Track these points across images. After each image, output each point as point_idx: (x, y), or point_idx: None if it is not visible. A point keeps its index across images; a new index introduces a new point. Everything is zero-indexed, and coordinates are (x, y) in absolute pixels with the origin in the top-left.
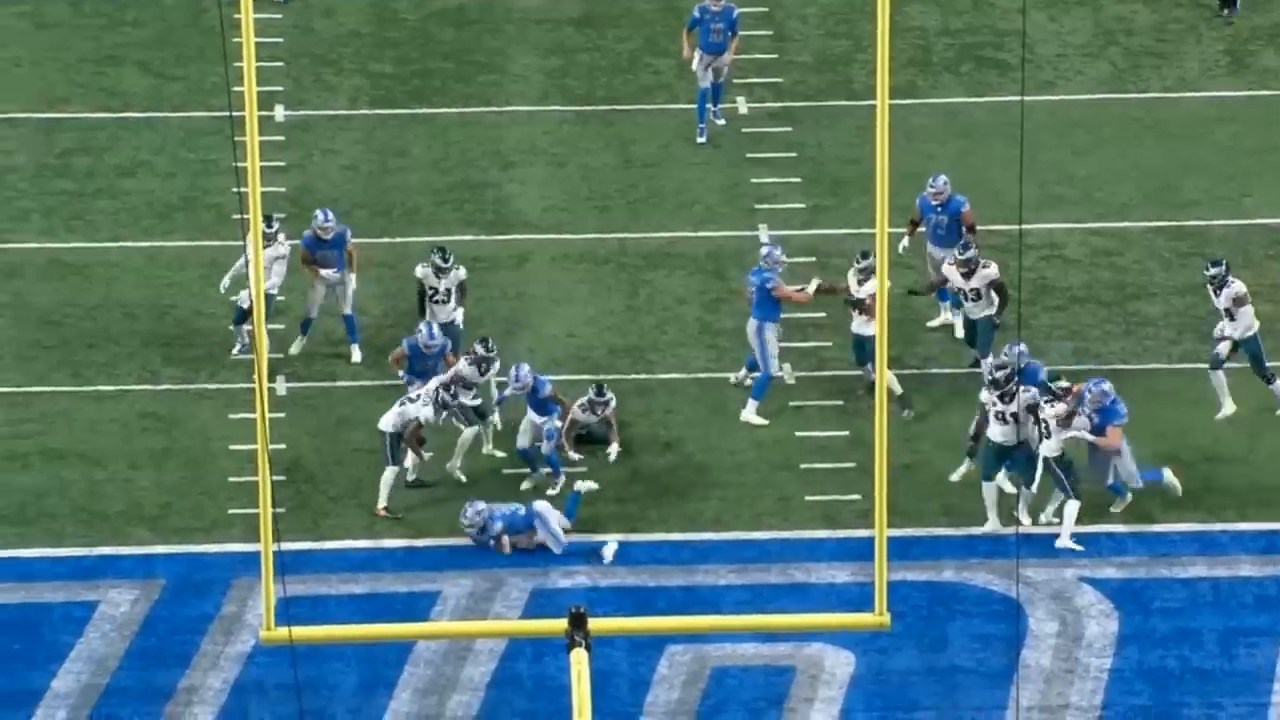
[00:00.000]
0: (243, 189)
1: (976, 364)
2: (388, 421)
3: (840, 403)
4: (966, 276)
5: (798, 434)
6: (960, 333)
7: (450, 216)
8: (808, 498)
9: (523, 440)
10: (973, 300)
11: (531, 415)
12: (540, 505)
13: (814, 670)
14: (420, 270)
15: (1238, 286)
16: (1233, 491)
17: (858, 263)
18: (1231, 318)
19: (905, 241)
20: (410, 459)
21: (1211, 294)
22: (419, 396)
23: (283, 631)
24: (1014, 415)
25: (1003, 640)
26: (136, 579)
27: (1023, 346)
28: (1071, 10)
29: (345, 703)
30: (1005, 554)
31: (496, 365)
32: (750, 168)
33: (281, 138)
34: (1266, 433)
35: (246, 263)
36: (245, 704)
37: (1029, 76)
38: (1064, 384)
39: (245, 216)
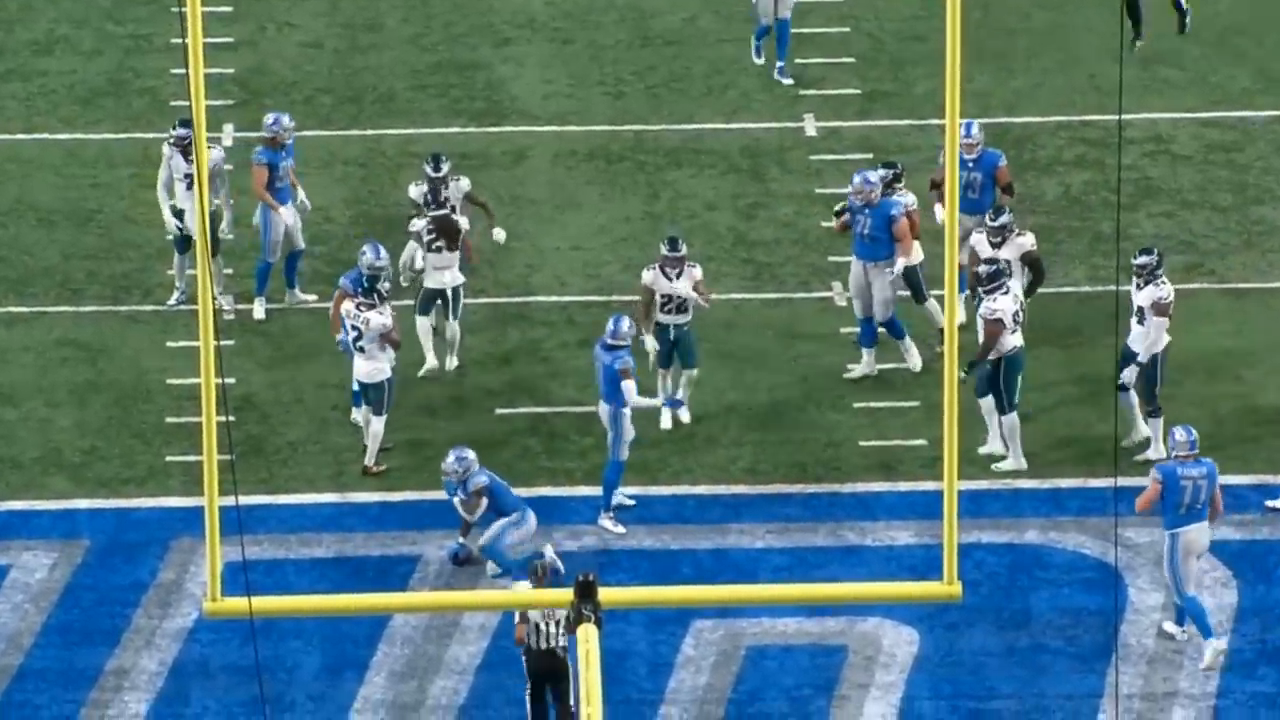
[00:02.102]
0: (183, 70)
1: (969, 370)
2: (362, 372)
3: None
4: (996, 246)
5: (850, 366)
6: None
7: (433, 104)
8: (862, 443)
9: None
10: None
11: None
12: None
13: (870, 650)
14: (414, 190)
15: (1163, 289)
16: None
17: (990, 220)
18: (1141, 322)
19: (939, 213)
20: (430, 359)
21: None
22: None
23: (232, 602)
24: None
25: (1098, 615)
26: (55, 539)
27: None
28: None
29: (306, 688)
30: (1101, 510)
31: (452, 184)
32: (795, 46)
33: (229, 8)
34: None
35: (168, 176)
36: (185, 689)
37: None
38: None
39: (187, 103)
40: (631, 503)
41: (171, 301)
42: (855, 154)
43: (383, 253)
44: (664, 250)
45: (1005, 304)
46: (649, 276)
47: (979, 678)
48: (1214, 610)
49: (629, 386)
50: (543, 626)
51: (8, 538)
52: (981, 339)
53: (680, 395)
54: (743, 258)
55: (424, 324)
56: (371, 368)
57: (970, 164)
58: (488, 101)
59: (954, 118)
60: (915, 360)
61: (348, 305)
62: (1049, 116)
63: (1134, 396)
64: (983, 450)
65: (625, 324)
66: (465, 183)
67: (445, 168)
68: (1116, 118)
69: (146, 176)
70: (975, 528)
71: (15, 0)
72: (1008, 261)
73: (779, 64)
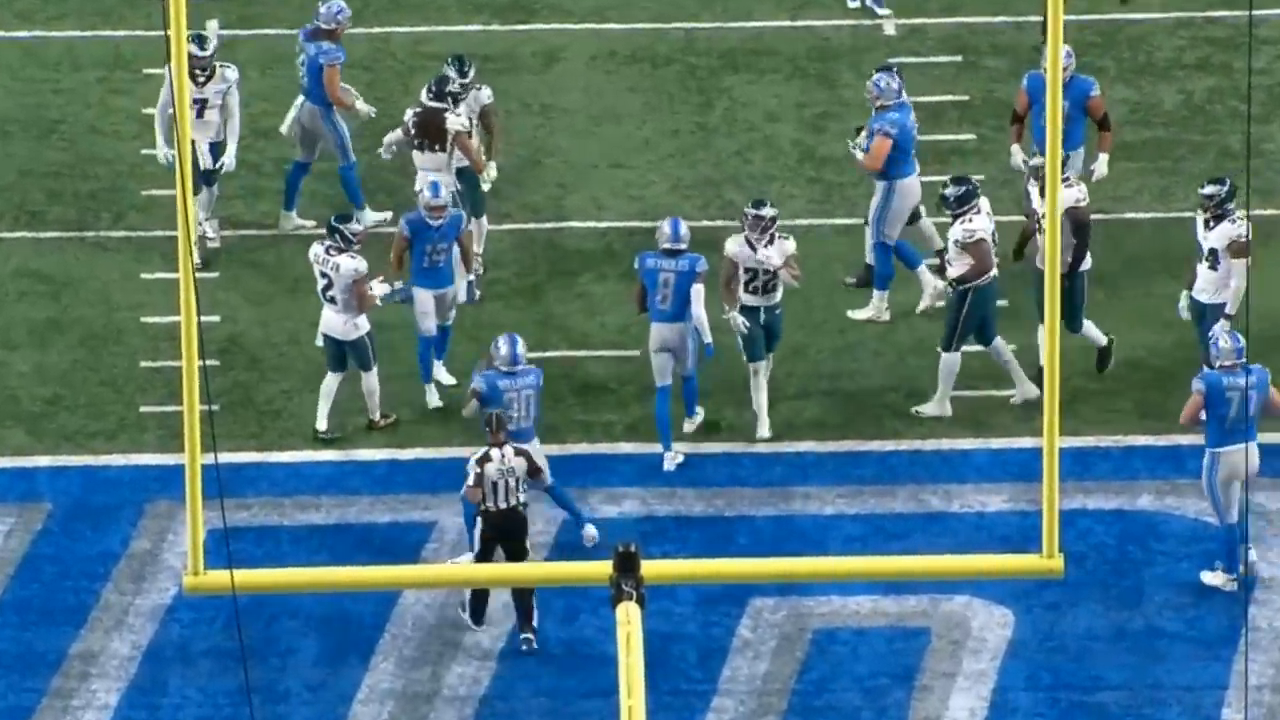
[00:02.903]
0: None
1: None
2: (336, 328)
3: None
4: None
5: (930, 302)
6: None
7: None
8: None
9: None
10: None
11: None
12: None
13: (957, 634)
14: (425, 97)
15: (1240, 226)
16: None
17: (1028, 160)
18: (1214, 266)
19: (1017, 152)
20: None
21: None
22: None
23: (216, 576)
24: None
25: (1222, 593)
26: (11, 503)
27: None
28: None
29: (303, 675)
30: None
31: (471, 94)
32: None
33: None
34: None
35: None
36: (162, 676)
37: None
38: None
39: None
40: (683, 459)
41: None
42: (941, 56)
43: (441, 191)
44: (749, 211)
45: (981, 223)
46: (732, 248)
47: (1083, 665)
48: None
49: (699, 291)
50: (499, 482)
51: None
52: (971, 263)
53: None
54: (810, 177)
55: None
56: (345, 324)
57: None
58: None
59: (1057, 18)
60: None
61: (316, 249)
62: (1167, 14)
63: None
64: (1015, 400)
65: (683, 227)
66: (487, 93)
67: (471, 73)
68: (1247, 14)
69: (117, 82)
70: (1080, 491)
71: None
72: (963, 182)
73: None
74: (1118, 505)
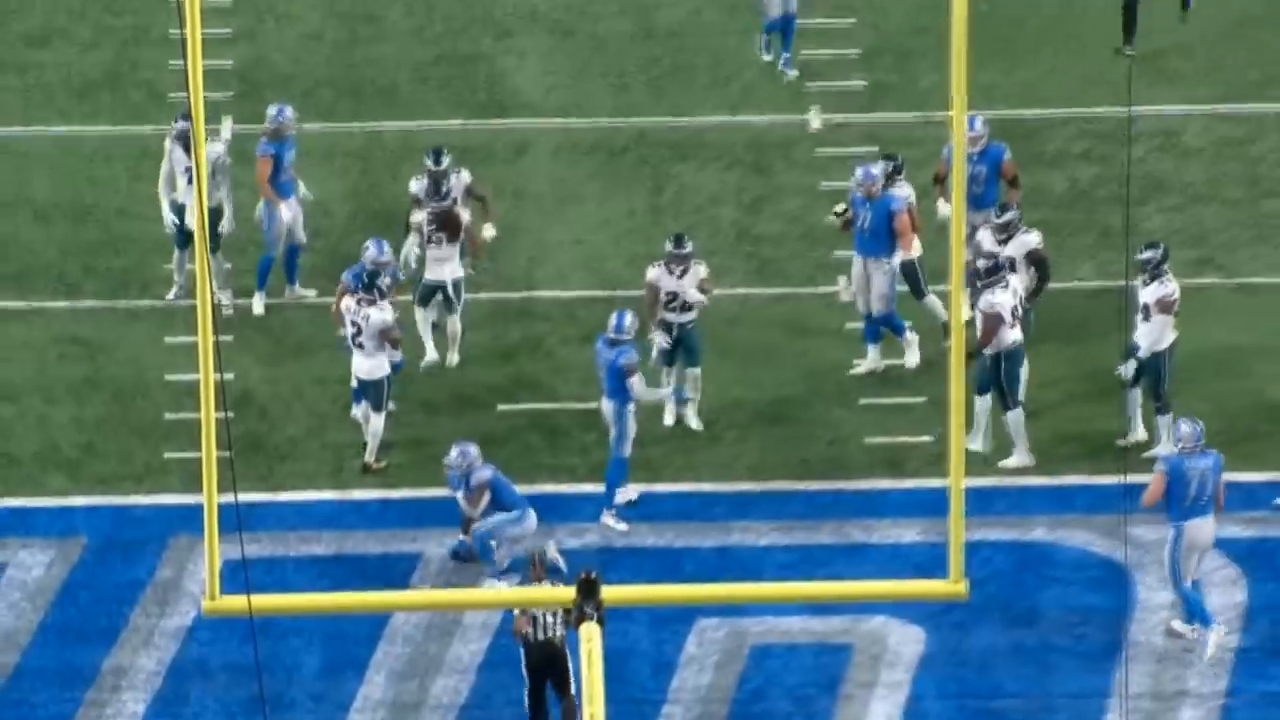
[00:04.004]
0: (181, 63)
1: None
2: (362, 369)
3: (907, 324)
4: (1002, 243)
5: (855, 361)
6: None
7: (433, 97)
8: (868, 440)
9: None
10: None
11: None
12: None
13: (875, 649)
14: (415, 184)
15: (1168, 286)
16: None
17: (995, 216)
18: (1147, 319)
19: (942, 206)
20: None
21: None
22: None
23: (231, 600)
24: None
25: (1106, 613)
26: (52, 536)
27: (1197, 427)
28: None
29: (306, 687)
30: (1109, 509)
31: (453, 178)
32: (799, 39)
33: (227, 0)
34: None
35: (170, 172)
36: (184, 688)
37: None
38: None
39: (185, 95)
40: (636, 499)
41: (170, 296)
42: (860, 147)
43: (386, 248)
44: (669, 247)
45: (1004, 298)
46: (653, 274)
47: (985, 676)
48: (1224, 609)
49: (634, 382)
50: (540, 618)
51: (4, 535)
52: (980, 332)
53: (688, 397)
54: (747, 252)
55: (423, 315)
56: (371, 365)
57: (974, 158)
58: (489, 94)
59: (961, 111)
60: (914, 357)
61: (348, 301)
62: (1056, 109)
63: (1136, 396)
64: (971, 446)
65: (628, 319)
66: (466, 175)
67: (446, 161)
68: (1125, 110)
69: (144, 170)
70: (982, 525)
71: None
72: (1010, 259)
73: (784, 56)
74: (1014, 537)
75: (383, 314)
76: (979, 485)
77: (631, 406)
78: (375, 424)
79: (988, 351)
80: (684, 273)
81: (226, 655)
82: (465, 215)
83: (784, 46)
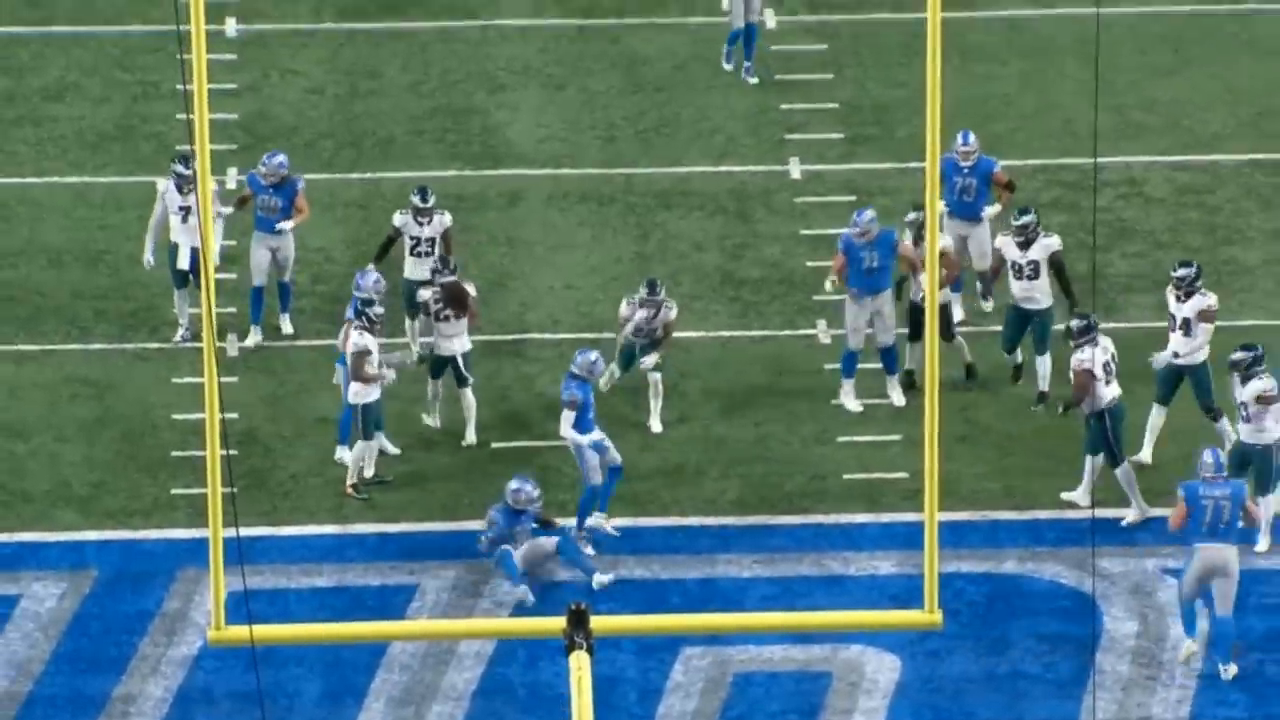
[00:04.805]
0: (188, 116)
1: (1017, 375)
2: (353, 393)
3: (883, 366)
4: (1023, 247)
5: (834, 402)
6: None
7: (430, 149)
8: (846, 476)
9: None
10: (1030, 278)
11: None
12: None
13: (853, 677)
14: (399, 218)
15: (1209, 299)
16: None
17: (912, 214)
18: (1188, 333)
19: (911, 215)
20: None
21: (1173, 299)
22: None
23: (236, 631)
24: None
25: (1074, 642)
26: (64, 570)
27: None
28: None
29: (307, 713)
30: (1077, 542)
31: (435, 218)
32: (779, 92)
33: (233, 56)
34: None
35: (162, 212)
36: (190, 715)
37: None
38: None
39: (191, 148)
40: (616, 534)
41: (177, 339)
42: (839, 196)
43: (373, 278)
44: (643, 292)
45: (1094, 354)
46: (625, 311)
47: (959, 703)
48: (1186, 638)
49: (566, 417)
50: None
51: (18, 568)
52: (1072, 388)
53: (654, 413)
54: (730, 296)
55: (433, 388)
56: (354, 388)
57: (966, 170)
58: (483, 146)
59: (934, 162)
60: (899, 398)
61: (347, 330)
62: (1026, 160)
63: (1160, 417)
64: (1065, 496)
65: (591, 356)
66: (448, 218)
67: (432, 200)
68: (1092, 161)
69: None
70: (955, 558)
71: (27, 49)
72: (1034, 265)
73: (746, 64)
74: (987, 569)
75: (361, 339)
76: (952, 519)
77: (585, 439)
78: (356, 449)
79: (1085, 410)
80: (655, 315)
81: (231, 683)
82: (472, 290)
83: (746, 55)
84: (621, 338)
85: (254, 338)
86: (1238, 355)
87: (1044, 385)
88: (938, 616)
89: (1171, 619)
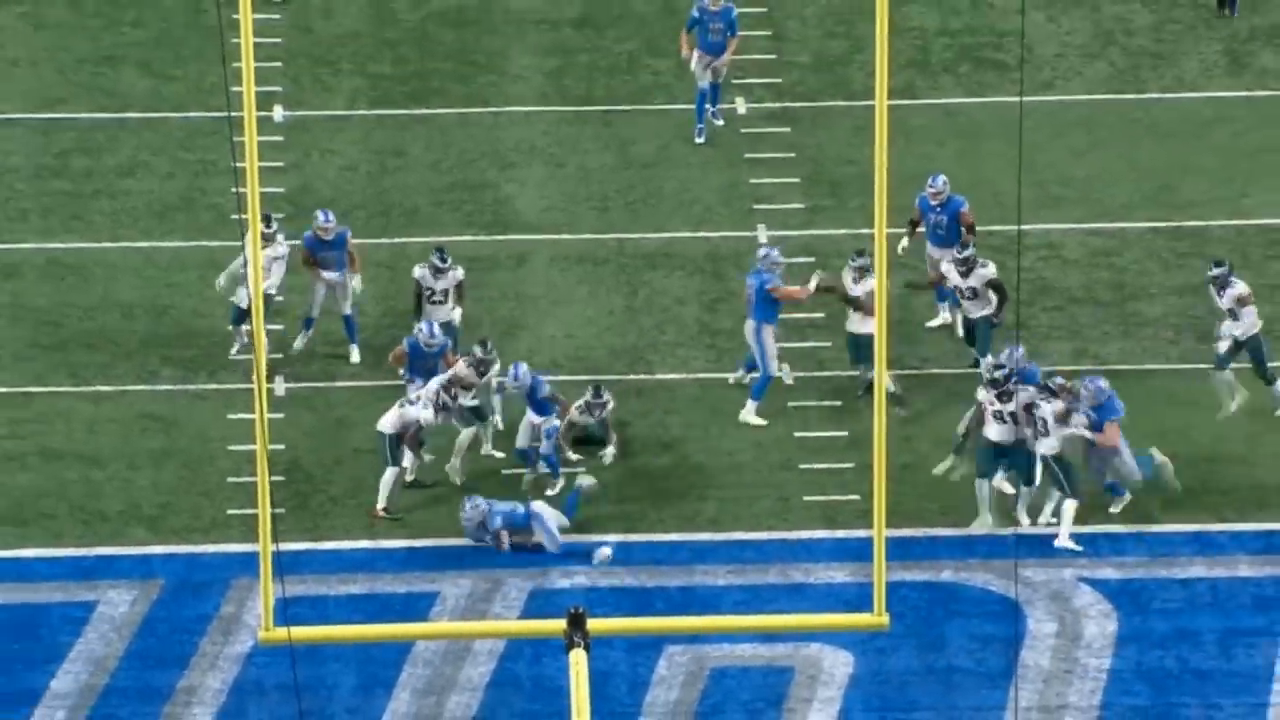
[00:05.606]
0: (241, 189)
1: (976, 364)
2: (387, 422)
3: (839, 403)
4: (964, 275)
5: (796, 434)
6: (960, 331)
7: (449, 217)
8: (806, 498)
9: (521, 440)
10: (970, 299)
11: (530, 415)
12: (537, 505)
13: (813, 671)
14: (418, 271)
15: (1241, 287)
16: (1231, 492)
17: (853, 261)
18: (1235, 317)
19: (905, 242)
20: (409, 459)
21: (1214, 294)
22: (419, 398)
23: (281, 631)
24: (1011, 414)
25: (1001, 641)
26: (135, 579)
27: (1021, 350)
28: (1070, 10)
29: (344, 703)
30: (1004, 554)
31: (496, 367)
32: (748, 168)
33: (280, 138)
34: (1265, 434)
35: (245, 262)
36: (244, 704)
37: (1028, 77)
38: (1060, 380)
39: (244, 217)
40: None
41: (234, 352)
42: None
43: (435, 329)
44: (477, 352)
45: (1006, 397)
46: (464, 370)
47: (903, 693)
48: (1098, 637)
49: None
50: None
51: (96, 578)
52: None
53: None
54: (707, 344)
55: (466, 435)
56: (388, 417)
57: (938, 209)
58: (494, 214)
59: (882, 228)
60: (950, 319)
61: (434, 382)
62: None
63: (1229, 375)
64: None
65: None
66: (460, 272)
67: (449, 260)
68: (1016, 228)
69: (211, 278)
70: (900, 568)
71: (103, 133)
72: (973, 289)
73: (712, 110)
74: (927, 578)
75: (418, 411)
76: (898, 535)
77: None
78: (385, 476)
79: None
80: (601, 411)
81: (278, 677)
82: (454, 361)
83: (713, 103)
84: (567, 427)
85: (301, 341)
86: (1214, 271)
87: (985, 371)
88: (885, 619)
89: (1086, 620)
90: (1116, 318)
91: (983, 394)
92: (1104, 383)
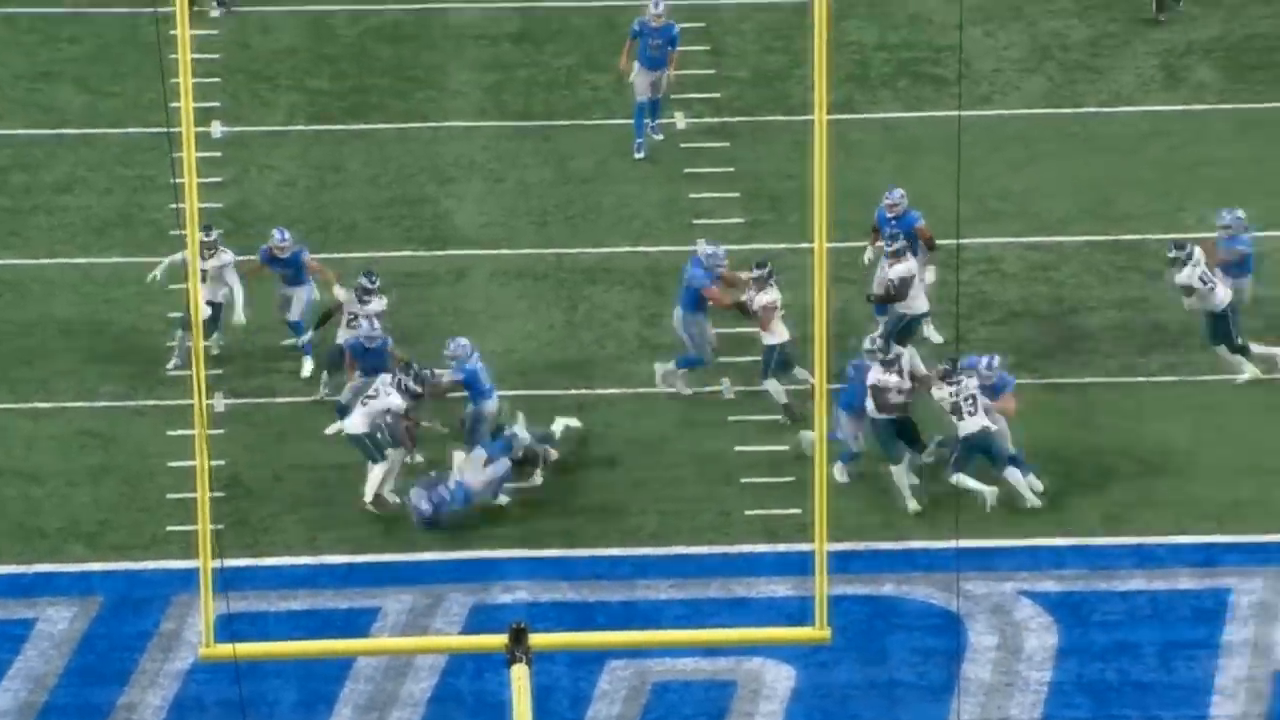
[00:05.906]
0: (180, 205)
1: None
2: (356, 424)
3: (779, 418)
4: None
5: (737, 449)
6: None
7: (387, 232)
8: (747, 512)
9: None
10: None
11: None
12: (457, 464)
13: (755, 684)
14: (342, 294)
15: (1202, 266)
16: (1170, 505)
17: (753, 271)
18: (1195, 294)
19: (869, 253)
20: (396, 452)
21: (1176, 275)
22: (377, 393)
23: (222, 648)
24: (906, 389)
25: (943, 654)
26: (74, 596)
27: (998, 359)
28: (1007, 25)
29: (285, 719)
30: (945, 568)
31: (381, 300)
32: (688, 183)
33: (218, 154)
34: (1202, 448)
35: (185, 261)
36: None
37: (965, 91)
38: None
39: (184, 232)
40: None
41: (169, 368)
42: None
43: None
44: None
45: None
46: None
47: (845, 707)
48: (1039, 650)
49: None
50: None
51: (35, 595)
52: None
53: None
54: (647, 359)
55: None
56: (355, 419)
57: (893, 222)
58: (434, 230)
59: (821, 242)
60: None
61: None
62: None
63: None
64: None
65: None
66: (383, 303)
67: (378, 282)
68: (955, 242)
69: (148, 294)
70: (841, 582)
71: (41, 148)
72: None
73: (652, 124)
74: (868, 592)
75: (388, 400)
76: (839, 549)
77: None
78: (374, 471)
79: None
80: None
81: (219, 693)
82: (341, 295)
83: (652, 118)
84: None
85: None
86: (1174, 253)
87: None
88: (827, 633)
89: (1027, 633)
90: (1055, 331)
91: (876, 373)
92: (997, 360)
